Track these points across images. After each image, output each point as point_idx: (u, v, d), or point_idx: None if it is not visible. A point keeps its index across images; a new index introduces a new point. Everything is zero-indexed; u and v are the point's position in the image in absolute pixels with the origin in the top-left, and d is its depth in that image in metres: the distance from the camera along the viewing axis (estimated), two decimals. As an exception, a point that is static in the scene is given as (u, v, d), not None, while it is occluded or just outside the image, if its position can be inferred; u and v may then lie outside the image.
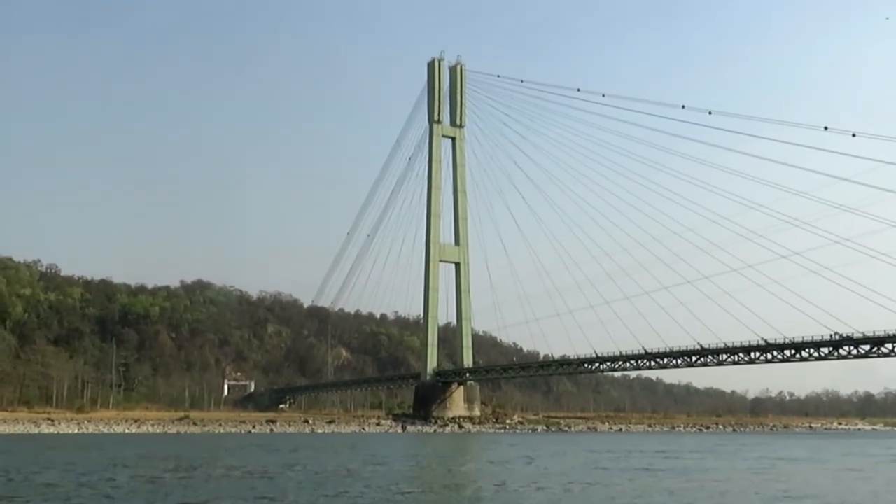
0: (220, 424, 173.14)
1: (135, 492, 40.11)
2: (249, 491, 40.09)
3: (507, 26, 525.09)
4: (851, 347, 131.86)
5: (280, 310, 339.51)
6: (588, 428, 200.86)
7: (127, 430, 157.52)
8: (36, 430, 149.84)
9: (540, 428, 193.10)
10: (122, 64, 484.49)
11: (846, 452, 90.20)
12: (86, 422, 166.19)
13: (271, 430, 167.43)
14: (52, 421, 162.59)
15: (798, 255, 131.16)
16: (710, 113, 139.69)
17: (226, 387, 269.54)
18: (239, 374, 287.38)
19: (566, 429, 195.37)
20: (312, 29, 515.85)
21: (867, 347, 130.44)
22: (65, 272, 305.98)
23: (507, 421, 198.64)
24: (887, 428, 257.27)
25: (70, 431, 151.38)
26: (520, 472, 53.87)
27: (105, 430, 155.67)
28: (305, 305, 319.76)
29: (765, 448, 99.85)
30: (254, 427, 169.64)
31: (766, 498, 38.38)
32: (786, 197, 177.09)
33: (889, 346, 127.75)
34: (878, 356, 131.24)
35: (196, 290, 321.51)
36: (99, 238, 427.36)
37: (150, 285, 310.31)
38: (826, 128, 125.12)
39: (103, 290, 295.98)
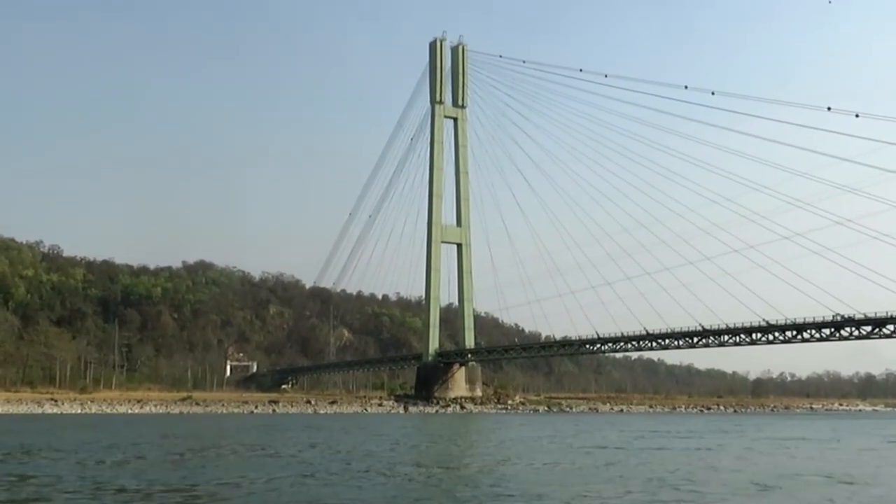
0: (223, 405, 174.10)
1: (172, 469, 40.47)
2: (281, 469, 40.48)
3: (510, 6, 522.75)
4: (853, 328, 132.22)
5: (282, 290, 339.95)
6: (589, 409, 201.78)
7: (130, 411, 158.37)
8: (39, 411, 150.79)
9: (541, 408, 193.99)
10: (121, 49, 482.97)
11: (861, 433, 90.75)
12: (89, 402, 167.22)
13: (273, 410, 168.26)
14: (56, 401, 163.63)
15: (800, 237, 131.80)
16: (712, 93, 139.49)
17: (228, 367, 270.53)
18: (241, 354, 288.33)
19: (567, 409, 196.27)
20: (313, 9, 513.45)
21: (868, 328, 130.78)
22: (67, 253, 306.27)
23: (509, 401, 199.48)
24: (888, 409, 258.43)
25: (73, 412, 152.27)
26: (536, 450, 54.24)
27: (108, 411, 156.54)
28: (307, 286, 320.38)
29: (772, 429, 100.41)
30: (256, 407, 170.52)
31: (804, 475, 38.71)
32: (788, 178, 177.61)
33: (890, 327, 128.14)
34: (880, 337, 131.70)
35: (198, 271, 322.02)
36: (101, 220, 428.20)
37: (152, 266, 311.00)
38: (829, 108, 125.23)
39: (105, 271, 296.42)
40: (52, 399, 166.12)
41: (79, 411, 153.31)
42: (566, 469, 42.62)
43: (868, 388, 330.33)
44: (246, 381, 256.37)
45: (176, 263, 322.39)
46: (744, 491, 33.12)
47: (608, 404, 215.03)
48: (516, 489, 32.77)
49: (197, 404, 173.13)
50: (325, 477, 37.15)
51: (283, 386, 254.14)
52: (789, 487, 34.38)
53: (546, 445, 62.50)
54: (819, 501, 30.19)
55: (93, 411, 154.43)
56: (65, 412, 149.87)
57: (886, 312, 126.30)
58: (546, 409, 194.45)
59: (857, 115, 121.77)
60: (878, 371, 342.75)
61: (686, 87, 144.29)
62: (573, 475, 39.48)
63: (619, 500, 29.88)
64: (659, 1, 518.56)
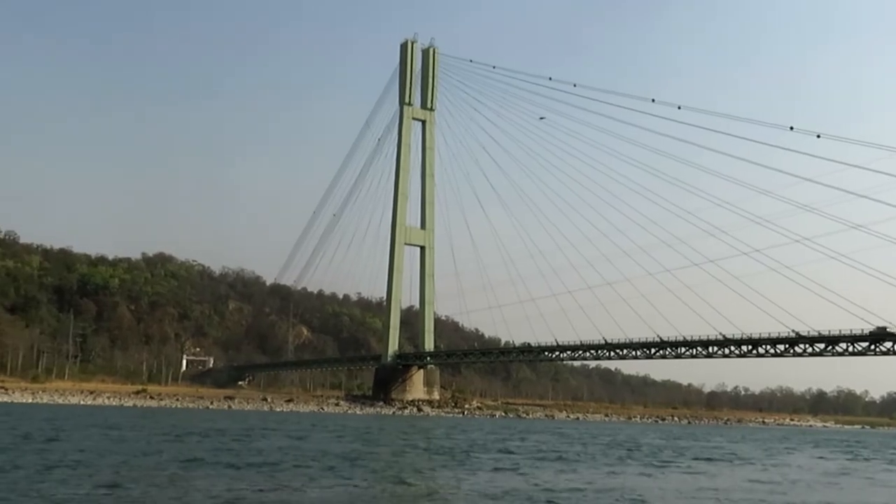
0: (178, 399, 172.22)
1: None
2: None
3: (483, 11, 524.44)
4: (807, 345, 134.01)
5: (242, 286, 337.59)
6: (546, 415, 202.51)
7: (82, 402, 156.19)
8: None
9: (498, 413, 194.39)
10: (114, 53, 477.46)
11: (795, 451, 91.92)
12: (40, 392, 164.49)
13: (229, 406, 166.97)
14: (6, 390, 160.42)
15: (759, 253, 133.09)
16: (678, 108, 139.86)
17: (184, 361, 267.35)
18: (198, 349, 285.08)
19: (524, 415, 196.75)
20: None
21: (822, 346, 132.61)
22: (23, 240, 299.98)
23: (466, 406, 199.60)
24: (837, 426, 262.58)
25: (24, 401, 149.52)
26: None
27: (60, 401, 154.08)
28: (268, 283, 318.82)
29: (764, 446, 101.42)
30: (212, 403, 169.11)
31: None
32: (752, 196, 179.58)
33: (843, 345, 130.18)
34: (833, 355, 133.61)
35: (157, 263, 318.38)
36: (60, 207, 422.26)
37: (110, 256, 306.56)
38: (792, 128, 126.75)
39: (62, 260, 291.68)
40: (2, 387, 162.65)
41: (30, 401, 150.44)
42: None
43: (819, 404, 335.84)
44: (202, 376, 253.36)
45: (135, 255, 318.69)
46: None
47: (564, 412, 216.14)
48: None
49: (151, 398, 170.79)
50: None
51: (240, 382, 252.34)
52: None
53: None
54: None
55: (44, 401, 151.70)
56: (15, 401, 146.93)
57: (839, 330, 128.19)
58: (503, 413, 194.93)
59: (818, 136, 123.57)
60: (829, 388, 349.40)
61: (653, 101, 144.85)
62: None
63: None
64: (622, 19, 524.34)
